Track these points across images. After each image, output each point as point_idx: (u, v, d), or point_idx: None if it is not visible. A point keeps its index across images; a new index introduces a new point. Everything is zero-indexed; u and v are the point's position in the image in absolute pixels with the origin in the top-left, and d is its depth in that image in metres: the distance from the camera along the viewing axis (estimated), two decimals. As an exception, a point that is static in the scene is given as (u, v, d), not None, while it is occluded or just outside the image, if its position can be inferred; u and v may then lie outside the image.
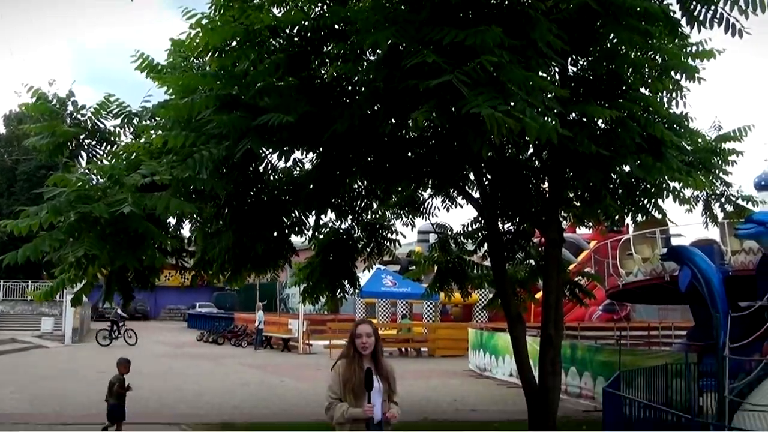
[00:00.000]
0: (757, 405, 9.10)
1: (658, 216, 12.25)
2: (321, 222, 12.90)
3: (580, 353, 18.62)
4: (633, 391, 13.12)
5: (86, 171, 9.79)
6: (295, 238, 12.77)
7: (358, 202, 13.12)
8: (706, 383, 14.41)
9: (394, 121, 9.42)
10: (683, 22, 9.03)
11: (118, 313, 35.27)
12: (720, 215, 13.06)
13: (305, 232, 12.35)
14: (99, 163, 10.70)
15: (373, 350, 5.84)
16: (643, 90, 10.57)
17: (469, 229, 14.09)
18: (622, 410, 8.60)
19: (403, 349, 32.95)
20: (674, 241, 20.99)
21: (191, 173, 8.91)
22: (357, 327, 5.91)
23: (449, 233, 14.68)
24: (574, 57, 10.31)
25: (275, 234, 11.77)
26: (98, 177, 9.46)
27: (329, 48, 9.58)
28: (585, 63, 10.50)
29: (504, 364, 22.91)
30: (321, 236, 13.63)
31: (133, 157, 9.90)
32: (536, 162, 12.68)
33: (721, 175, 12.28)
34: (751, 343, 13.23)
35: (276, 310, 51.39)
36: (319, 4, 9.74)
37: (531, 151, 12.32)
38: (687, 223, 55.59)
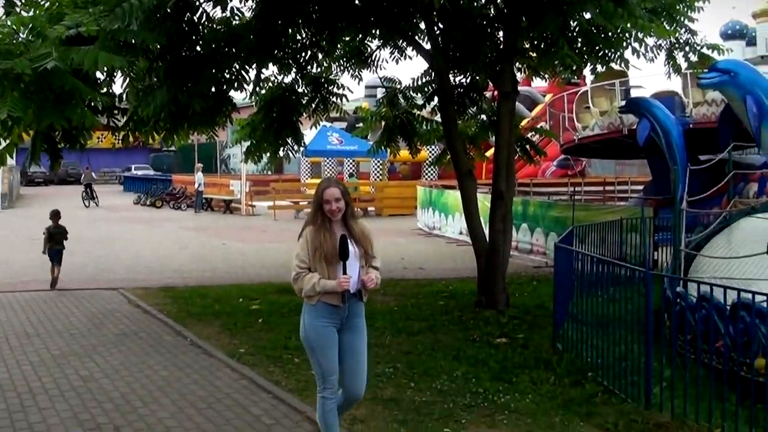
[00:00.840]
0: (713, 256, 9.48)
1: (619, 67, 12.27)
2: (262, 76, 12.66)
3: (532, 210, 19.04)
4: (586, 246, 13.56)
5: (5, 22, 9.37)
6: (236, 95, 12.55)
7: (302, 54, 12.87)
8: (662, 237, 14.96)
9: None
10: None
11: (92, 175, 36.61)
12: (683, 65, 13.12)
13: (246, 87, 12.13)
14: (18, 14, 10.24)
15: (344, 214, 5.34)
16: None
17: (419, 82, 13.96)
18: (573, 265, 8.89)
19: (351, 209, 33.27)
20: (634, 93, 21.22)
21: (120, 24, 8.61)
22: (324, 192, 5.31)
23: (398, 87, 14.55)
24: None
25: (213, 90, 11.55)
26: (18, 30, 9.09)
27: None
28: None
29: (453, 223, 23.36)
30: (263, 92, 13.42)
31: (55, 6, 9.50)
32: (491, 10, 12.51)
33: (686, 22, 12.25)
34: (711, 197, 13.66)
35: (217, 171, 51.20)
36: None
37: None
38: (648, 74, 55.87)
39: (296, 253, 5.30)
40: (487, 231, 12.33)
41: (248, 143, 14.17)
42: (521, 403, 7.25)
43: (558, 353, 8.83)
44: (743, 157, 17.55)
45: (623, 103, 18.18)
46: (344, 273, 5.23)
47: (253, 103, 13.85)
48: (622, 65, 12.08)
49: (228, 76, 11.64)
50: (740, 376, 6.35)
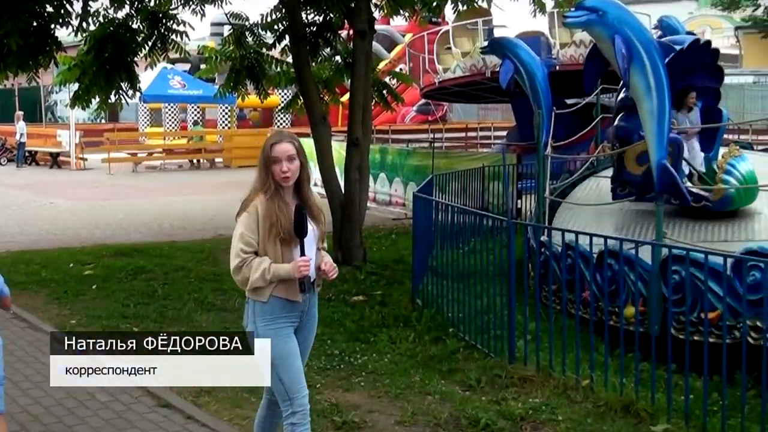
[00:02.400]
0: (578, 203, 9.78)
1: (482, 5, 12.39)
2: (90, 9, 12.11)
3: (391, 158, 19.16)
4: (447, 196, 13.77)
5: None
6: (61, 32, 11.94)
7: (135, -16, 12.39)
8: (526, 185, 15.36)
9: None
10: None
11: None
12: (549, 4, 13.38)
13: (71, 22, 11.57)
14: None
15: (297, 180, 4.53)
16: None
17: (269, 19, 13.70)
18: (433, 216, 9.00)
19: (195, 161, 32.68)
20: (497, 33, 21.55)
21: None
22: (273, 147, 4.46)
23: (246, 24, 14.22)
24: None
25: (33, 25, 10.97)
26: None
27: None
28: None
29: (309, 173, 23.26)
30: (93, 28, 12.84)
31: None
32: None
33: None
34: (577, 142, 14.09)
35: (42, 120, 49.04)
36: None
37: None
38: (513, 13, 57.06)
39: (239, 233, 4.43)
40: (342, 182, 12.31)
41: (76, 87, 13.57)
42: (379, 364, 7.32)
43: (418, 309, 8.96)
44: (612, 100, 18.19)
45: (486, 43, 18.43)
46: (302, 254, 4.40)
47: (82, 42, 13.24)
48: (486, 3, 12.21)
49: (50, 9, 11.06)
50: (608, 325, 6.58)
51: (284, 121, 35.10)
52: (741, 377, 5.64)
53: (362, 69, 12.09)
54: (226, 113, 35.27)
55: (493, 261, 7.51)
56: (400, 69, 24.63)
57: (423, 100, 30.08)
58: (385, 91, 15.00)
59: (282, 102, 28.65)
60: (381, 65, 22.48)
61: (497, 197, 15.01)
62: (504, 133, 25.30)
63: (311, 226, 4.49)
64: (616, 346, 6.49)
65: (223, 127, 35.13)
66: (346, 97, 15.25)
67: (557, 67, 17.76)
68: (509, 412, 6.13)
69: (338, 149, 15.54)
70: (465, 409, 6.21)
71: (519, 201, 15.60)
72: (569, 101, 16.95)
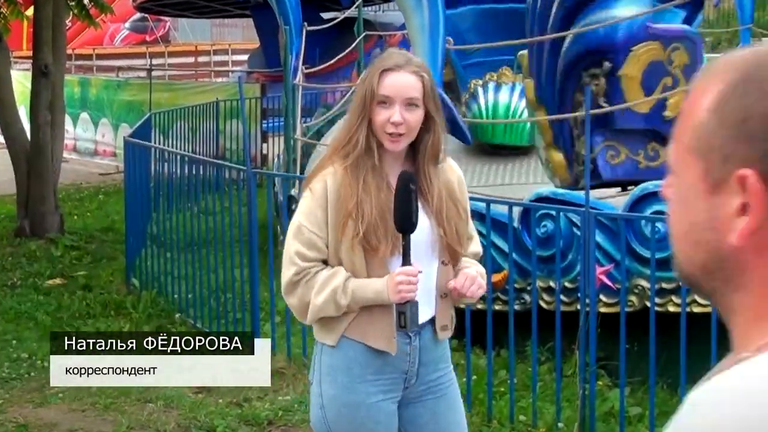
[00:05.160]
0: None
1: None
2: None
3: (96, 92, 18.84)
4: (171, 141, 13.77)
5: None
6: None
7: None
8: (272, 124, 15.55)
9: None
10: None
11: None
12: None
13: None
14: None
15: (419, 142, 3.48)
16: None
17: None
18: (152, 168, 9.01)
19: None
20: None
21: None
22: (383, 77, 3.40)
23: None
24: None
25: None
26: None
27: None
28: None
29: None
30: None
31: None
32: None
33: None
34: (335, 68, 14.37)
35: None
36: None
37: None
38: None
39: (296, 225, 3.45)
40: (28, 126, 12.03)
41: None
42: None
43: (134, 292, 8.97)
44: (379, 14, 18.66)
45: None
46: (405, 262, 3.35)
47: None
48: None
49: None
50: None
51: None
52: (531, 350, 6.07)
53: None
54: None
55: (231, 223, 7.64)
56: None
57: (138, 14, 29.63)
58: (86, 0, 14.71)
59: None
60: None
61: (236, 141, 15.12)
62: (245, 57, 25.38)
63: (425, 214, 3.43)
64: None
65: None
66: (31, 10, 14.83)
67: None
68: (254, 415, 6.29)
69: (22, 81, 15.13)
70: (197, 417, 6.31)
71: (264, 145, 15.77)
72: (325, 15, 17.24)
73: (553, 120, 7.93)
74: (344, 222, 3.32)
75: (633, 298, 6.42)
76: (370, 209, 3.31)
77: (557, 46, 7.92)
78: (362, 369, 3.40)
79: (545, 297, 6.69)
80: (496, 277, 6.81)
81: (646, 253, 6.04)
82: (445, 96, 8.08)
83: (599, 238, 6.22)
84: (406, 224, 3.29)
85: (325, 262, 3.40)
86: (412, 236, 3.32)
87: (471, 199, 5.76)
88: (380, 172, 3.39)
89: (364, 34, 12.82)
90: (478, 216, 6.63)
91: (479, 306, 6.86)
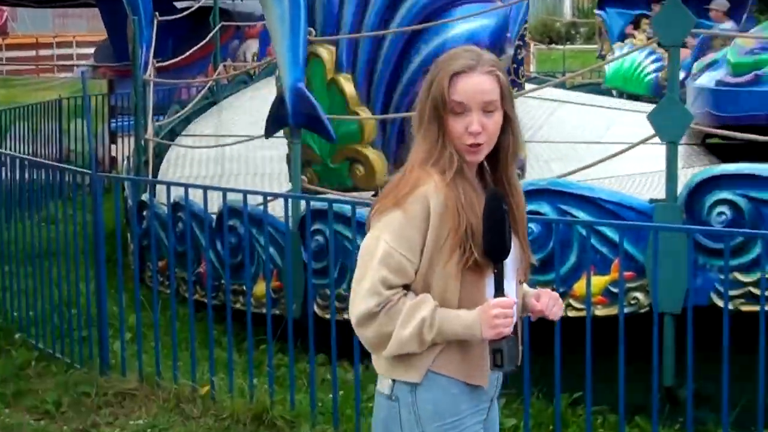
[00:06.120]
0: (196, 146, 10.04)
1: None
2: None
3: None
4: (9, 142, 13.57)
5: None
6: None
7: None
8: (122, 123, 15.42)
9: None
10: None
11: None
12: None
13: None
14: None
15: (495, 150, 3.31)
16: None
17: None
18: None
19: None
20: None
21: None
22: (455, 81, 3.21)
23: None
24: None
25: None
26: None
27: None
28: None
29: None
30: None
31: None
32: None
33: None
34: (190, 61, 14.31)
35: None
36: None
37: None
38: None
39: (384, 248, 3.18)
40: None
41: None
42: None
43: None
44: (237, 3, 18.61)
45: None
46: (498, 293, 3.22)
47: None
48: None
49: None
50: (233, 310, 6.88)
51: None
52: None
53: None
54: None
55: (76, 232, 7.56)
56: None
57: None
58: None
59: None
60: None
61: (82, 142, 14.95)
62: (90, 50, 25.07)
63: (513, 238, 3.28)
64: (244, 338, 6.85)
65: None
66: None
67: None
68: (103, 442, 6.30)
69: None
70: (39, 446, 6.29)
71: (112, 146, 15.61)
72: (179, 4, 17.15)
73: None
74: (454, 243, 3.13)
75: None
76: (478, 227, 3.14)
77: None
78: (468, 404, 3.27)
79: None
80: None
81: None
82: (306, 91, 8.15)
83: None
84: (500, 250, 3.16)
85: (407, 288, 3.19)
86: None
87: (337, 201, 5.90)
88: (472, 185, 3.23)
89: (220, 24, 12.84)
90: (344, 220, 6.74)
91: (345, 316, 6.95)
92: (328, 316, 6.69)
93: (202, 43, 13.20)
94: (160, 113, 11.66)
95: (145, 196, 8.94)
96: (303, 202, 7.04)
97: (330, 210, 6.51)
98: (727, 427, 5.50)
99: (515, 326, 3.21)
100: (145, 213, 8.92)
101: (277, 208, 7.40)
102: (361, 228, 6.56)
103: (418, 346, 3.13)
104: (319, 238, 7.14)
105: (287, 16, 8.13)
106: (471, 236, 3.11)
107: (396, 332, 3.11)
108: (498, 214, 3.12)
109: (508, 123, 3.24)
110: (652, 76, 15.01)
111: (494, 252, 3.13)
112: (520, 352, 3.29)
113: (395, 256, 3.13)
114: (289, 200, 6.95)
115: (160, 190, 8.12)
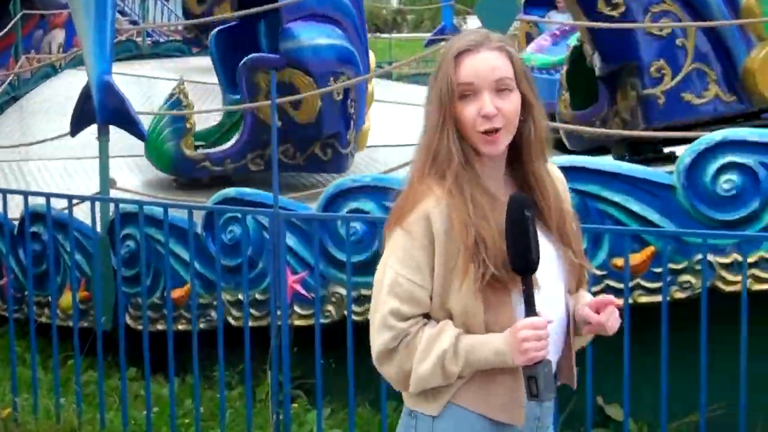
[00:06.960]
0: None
1: None
2: None
3: None
4: None
5: None
6: None
7: None
8: None
9: None
10: None
11: None
12: None
13: None
14: None
15: (519, 136, 3.07)
16: None
17: None
18: None
19: None
20: None
21: None
22: (460, 60, 3.01)
23: None
24: None
25: None
26: None
27: None
28: None
29: None
30: None
31: None
32: None
33: None
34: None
35: None
36: None
37: None
38: None
39: (390, 276, 3.03)
40: None
41: None
42: None
43: None
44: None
45: None
46: (529, 311, 2.95)
47: None
48: None
49: None
50: (36, 324, 6.82)
51: None
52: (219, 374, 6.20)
53: None
54: None
55: None
56: None
57: None
58: None
59: None
60: None
61: None
62: None
63: (548, 243, 3.07)
64: (50, 354, 6.77)
65: None
66: None
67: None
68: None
69: None
70: None
71: None
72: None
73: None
74: (466, 262, 2.91)
75: (330, 307, 6.47)
76: (492, 237, 2.92)
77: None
78: None
79: (234, 312, 6.74)
80: (177, 293, 6.90)
81: (343, 257, 6.08)
82: (115, 85, 8.09)
83: (291, 242, 6.40)
84: (525, 263, 2.90)
85: (427, 316, 3.01)
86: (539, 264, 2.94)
87: (147, 204, 5.88)
88: (486, 185, 3.01)
89: (21, 13, 12.65)
90: (156, 223, 6.73)
91: (159, 327, 6.96)
92: (140, 328, 6.66)
93: (1, 34, 12.99)
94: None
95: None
96: (112, 205, 7.01)
97: (141, 212, 6.46)
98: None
99: (567, 345, 3.10)
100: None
101: (86, 212, 7.32)
102: (174, 231, 6.60)
103: (443, 379, 2.96)
104: (130, 243, 7.09)
105: (92, 3, 8.03)
106: (484, 248, 2.90)
107: (414, 368, 2.96)
108: (520, 225, 2.89)
109: (529, 108, 3.03)
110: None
111: (518, 265, 2.90)
112: (575, 374, 3.14)
113: (403, 283, 2.97)
114: (96, 203, 6.89)
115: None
